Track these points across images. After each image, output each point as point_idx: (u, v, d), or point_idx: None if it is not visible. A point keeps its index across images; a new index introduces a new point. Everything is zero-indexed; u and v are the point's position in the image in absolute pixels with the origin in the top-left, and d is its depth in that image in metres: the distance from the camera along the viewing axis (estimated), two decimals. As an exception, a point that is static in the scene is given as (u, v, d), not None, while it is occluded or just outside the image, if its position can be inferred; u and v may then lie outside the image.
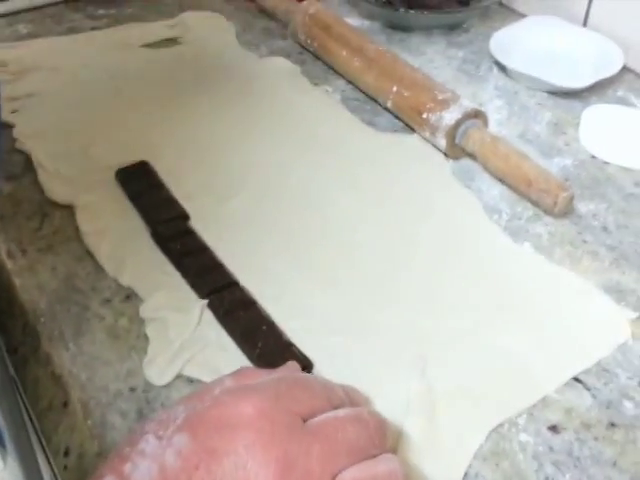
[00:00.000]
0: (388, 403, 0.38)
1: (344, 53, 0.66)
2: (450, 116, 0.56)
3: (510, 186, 0.54)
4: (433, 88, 0.59)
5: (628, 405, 0.39)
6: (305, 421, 0.30)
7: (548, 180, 0.51)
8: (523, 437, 0.38)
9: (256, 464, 0.28)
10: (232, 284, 0.45)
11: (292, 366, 0.36)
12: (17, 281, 0.45)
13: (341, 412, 0.31)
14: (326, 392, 0.32)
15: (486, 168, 0.56)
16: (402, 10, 0.74)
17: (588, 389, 0.40)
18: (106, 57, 0.69)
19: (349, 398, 0.35)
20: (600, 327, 0.43)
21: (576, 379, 0.41)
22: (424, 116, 0.57)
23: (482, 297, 0.45)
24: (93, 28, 0.76)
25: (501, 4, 0.83)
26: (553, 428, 0.38)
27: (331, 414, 0.31)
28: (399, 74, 0.61)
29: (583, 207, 0.53)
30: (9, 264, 0.46)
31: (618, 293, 0.46)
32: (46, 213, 0.51)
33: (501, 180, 0.55)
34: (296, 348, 0.41)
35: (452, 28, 0.78)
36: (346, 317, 0.44)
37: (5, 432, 0.35)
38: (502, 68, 0.70)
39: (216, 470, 0.27)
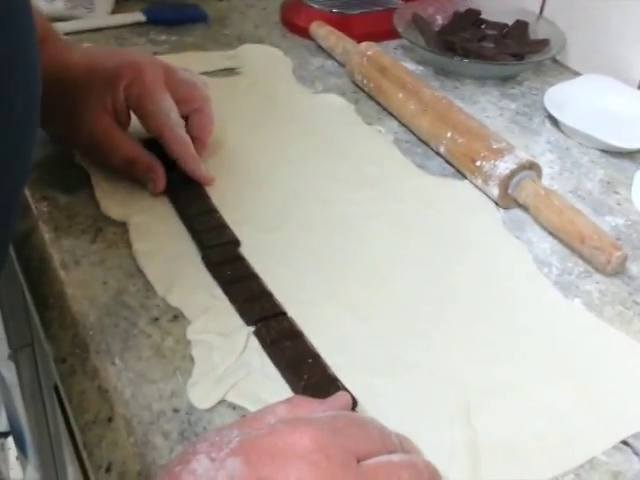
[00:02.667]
0: (431, 450, 0.38)
1: (400, 95, 0.66)
2: (505, 166, 0.56)
3: (562, 241, 0.54)
4: (488, 137, 0.59)
5: (678, 474, 0.38)
6: (359, 462, 0.30)
7: (602, 238, 0.51)
8: (568, 497, 0.37)
9: None
10: (280, 314, 0.45)
11: (342, 397, 0.36)
12: (69, 292, 0.45)
13: (396, 457, 0.31)
14: (382, 435, 0.32)
15: (538, 221, 0.56)
16: (456, 58, 0.75)
17: (637, 454, 0.39)
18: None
19: (402, 445, 0.34)
20: (651, 390, 0.43)
21: (625, 442, 0.40)
22: (477, 164, 0.58)
23: (529, 349, 0.45)
24: (155, 53, 0.77)
25: (555, 60, 0.84)
26: (600, 491, 0.37)
27: (385, 458, 0.31)
28: (454, 120, 0.61)
29: (634, 268, 0.53)
30: (62, 274, 0.47)
31: (669, 358, 0.45)
32: (100, 228, 0.52)
33: (552, 234, 0.55)
34: (341, 383, 0.41)
35: (505, 80, 0.78)
36: (390, 356, 0.44)
37: (29, 442, 0.35)
38: (555, 123, 0.70)
39: None
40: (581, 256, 0.53)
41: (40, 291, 0.46)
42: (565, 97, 0.72)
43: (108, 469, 0.35)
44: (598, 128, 0.67)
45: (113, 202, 0.54)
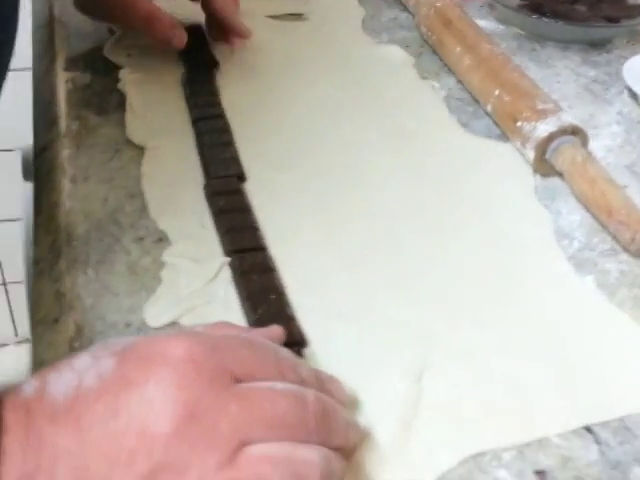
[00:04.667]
0: (372, 400, 0.36)
1: (457, 50, 0.63)
2: (544, 127, 0.52)
3: (592, 213, 0.49)
4: (535, 97, 0.54)
5: (638, 473, 0.34)
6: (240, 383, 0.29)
7: (631, 213, 0.45)
8: (502, 474, 0.34)
9: (162, 403, 0.27)
10: (259, 248, 0.44)
11: (274, 330, 0.35)
12: (68, 203, 0.47)
13: (280, 385, 0.30)
14: (281, 365, 0.31)
15: (572, 190, 0.51)
16: (535, 17, 0.70)
17: (598, 443, 0.35)
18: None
19: (320, 384, 0.33)
20: (638, 380, 0.38)
21: (588, 429, 0.36)
22: (518, 124, 0.53)
23: (514, 319, 0.41)
24: (229, -6, 0.78)
25: (660, 30, 0.76)
26: (540, 473, 0.34)
27: (268, 383, 0.29)
28: (504, 78, 0.57)
29: (671, 253, 0.47)
30: (69, 188, 0.49)
31: (678, 351, 0.40)
32: (120, 149, 0.53)
33: (585, 206, 0.50)
34: (296, 323, 0.40)
35: (593, 45, 0.72)
36: (361, 305, 0.42)
37: None
38: (634, 96, 0.64)
39: (124, 399, 0.27)
40: (609, 232, 0.48)
41: (40, 198, 0.48)
42: (652, 67, 0.65)
43: (40, 366, 0.36)
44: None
45: (139, 127, 0.55)
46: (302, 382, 0.31)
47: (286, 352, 0.32)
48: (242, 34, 0.61)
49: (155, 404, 0.27)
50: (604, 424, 0.36)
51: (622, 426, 0.36)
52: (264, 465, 0.27)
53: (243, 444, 0.28)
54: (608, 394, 0.37)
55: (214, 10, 0.61)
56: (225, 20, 0.61)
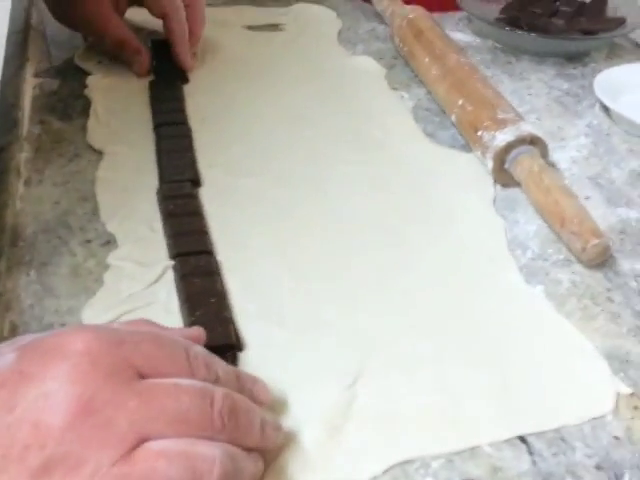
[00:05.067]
0: (302, 404, 0.36)
1: (426, 60, 0.63)
2: (502, 137, 0.51)
3: (547, 223, 0.48)
4: (497, 106, 0.54)
5: (569, 484, 0.33)
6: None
7: (583, 222, 0.45)
8: (428, 482, 0.33)
9: (57, 397, 0.26)
10: (204, 252, 0.44)
11: (194, 330, 0.35)
12: (18, 205, 0.47)
13: (186, 382, 0.29)
14: (191, 362, 0.30)
15: (528, 200, 0.50)
16: (508, 29, 0.69)
17: (531, 453, 0.34)
18: (208, 31, 0.70)
19: (240, 384, 0.32)
20: (578, 392, 0.37)
21: (522, 439, 0.35)
22: (479, 134, 0.53)
23: (456, 328, 0.41)
24: (209, 4, 0.78)
25: (637, 45, 0.76)
26: (467, 483, 0.33)
27: (173, 380, 0.29)
28: (469, 88, 0.57)
29: (627, 265, 0.46)
30: (22, 190, 0.49)
31: (622, 363, 0.39)
32: (79, 154, 0.53)
33: (541, 215, 0.49)
34: (232, 327, 0.39)
35: (570, 59, 0.72)
36: (304, 312, 0.41)
37: None
38: (606, 109, 0.63)
39: (21, 393, 0.27)
40: (562, 242, 0.47)
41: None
42: (623, 81, 0.65)
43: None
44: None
45: (100, 132, 0.55)
46: (216, 380, 0.31)
47: (201, 350, 0.32)
48: (184, 66, 0.63)
49: (50, 398, 0.26)
50: (539, 435, 0.35)
51: (558, 437, 0.35)
52: (160, 460, 0.27)
53: (142, 440, 0.27)
54: (546, 405, 0.36)
55: (168, 32, 0.63)
56: (174, 47, 0.63)
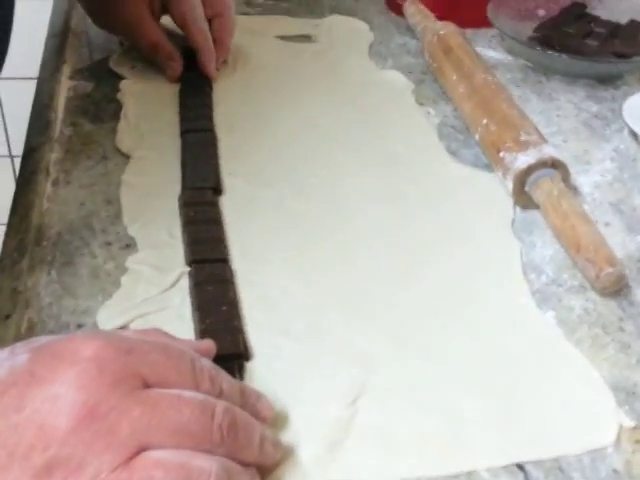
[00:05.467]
0: (303, 420, 0.36)
1: (454, 77, 0.63)
2: (524, 159, 0.51)
3: (563, 248, 0.48)
4: (521, 128, 0.54)
5: (563, 514, 0.33)
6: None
7: (598, 250, 0.45)
8: (422, 503, 0.33)
9: (64, 401, 0.28)
10: (220, 260, 0.45)
11: (205, 343, 0.36)
12: (45, 204, 0.49)
13: (189, 394, 0.30)
14: (196, 374, 0.31)
15: (546, 223, 0.50)
16: (539, 49, 0.69)
17: (528, 481, 0.35)
18: (236, 38, 0.71)
19: (244, 399, 0.33)
20: (581, 422, 0.37)
21: (520, 466, 0.35)
22: (501, 154, 0.53)
23: (464, 349, 0.41)
24: (244, 13, 0.79)
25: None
26: (461, 506, 0.33)
27: (176, 391, 0.30)
28: (494, 108, 0.57)
29: (642, 294, 0.46)
30: (49, 190, 0.50)
31: (629, 395, 0.39)
32: (107, 157, 0.54)
33: (557, 240, 0.49)
34: (242, 336, 0.40)
35: (601, 81, 0.71)
36: (312, 325, 0.42)
37: None
38: (634, 134, 0.63)
39: (30, 394, 0.28)
40: (577, 267, 0.47)
41: (19, 198, 0.49)
42: (654, 106, 0.64)
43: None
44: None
45: (129, 136, 0.56)
46: (220, 394, 0.32)
47: (207, 363, 0.33)
48: (208, 75, 0.64)
49: (57, 401, 0.28)
50: (538, 463, 0.35)
51: (556, 466, 0.35)
52: (157, 470, 0.28)
53: (142, 448, 0.28)
54: (547, 433, 0.37)
55: (190, 41, 0.64)
56: (198, 56, 0.63)
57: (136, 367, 0.30)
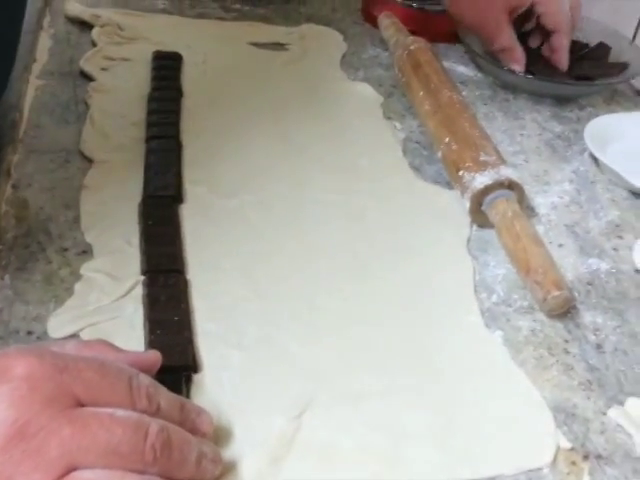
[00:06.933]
0: (247, 434, 0.37)
1: (421, 94, 0.63)
2: (481, 180, 0.52)
3: (515, 269, 0.49)
4: (481, 148, 0.55)
5: (494, 534, 0.34)
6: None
7: (547, 273, 0.46)
8: (356, 519, 0.34)
9: None
10: (176, 271, 0.45)
11: (150, 355, 0.36)
12: (4, 207, 0.49)
13: (121, 413, 0.30)
14: (133, 392, 0.31)
15: (500, 243, 0.51)
16: (506, 69, 0.70)
17: (465, 500, 0.35)
18: (209, 44, 0.72)
19: (184, 414, 0.33)
20: (519, 442, 0.38)
21: (459, 485, 0.36)
22: (460, 173, 0.54)
23: (409, 364, 0.42)
24: (219, 18, 0.80)
25: (638, 92, 0.76)
26: (394, 523, 0.34)
27: (109, 410, 0.30)
28: (457, 126, 0.58)
29: (588, 317, 0.47)
30: (9, 192, 0.50)
31: (568, 417, 0.40)
32: (69, 160, 0.54)
33: (509, 261, 0.50)
34: (191, 348, 0.40)
35: (567, 101, 0.72)
36: (263, 338, 0.42)
37: None
38: (594, 157, 0.64)
39: None
40: (526, 289, 0.48)
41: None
42: (615, 129, 0.65)
43: None
44: (636, 169, 0.60)
45: (93, 140, 0.56)
46: (157, 411, 0.32)
47: (145, 380, 0.33)
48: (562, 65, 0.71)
49: None
50: (478, 482, 0.36)
51: (492, 485, 0.36)
52: None
53: (71, 469, 0.28)
54: (486, 452, 0.38)
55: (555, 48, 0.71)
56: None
57: (69, 386, 0.30)
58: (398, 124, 0.66)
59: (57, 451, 0.28)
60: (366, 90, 0.69)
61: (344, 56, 0.76)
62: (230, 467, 0.35)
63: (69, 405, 0.29)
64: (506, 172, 0.53)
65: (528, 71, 0.70)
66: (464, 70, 0.76)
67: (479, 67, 0.76)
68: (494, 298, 0.48)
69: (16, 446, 0.27)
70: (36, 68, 0.65)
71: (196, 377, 0.39)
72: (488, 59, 0.72)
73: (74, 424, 0.29)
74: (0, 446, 0.27)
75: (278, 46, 0.76)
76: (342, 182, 0.56)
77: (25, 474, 0.27)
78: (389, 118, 0.66)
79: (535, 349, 0.44)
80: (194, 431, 0.33)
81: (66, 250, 0.47)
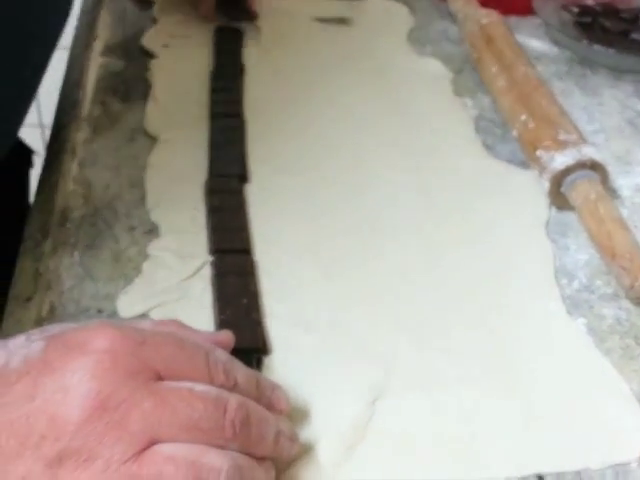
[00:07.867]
0: (320, 417, 0.36)
1: (494, 69, 0.61)
2: (562, 160, 0.49)
3: (598, 254, 0.47)
4: (560, 126, 0.52)
5: (583, 532, 0.32)
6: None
7: (634, 259, 0.43)
8: (435, 513, 0.32)
9: (75, 391, 0.27)
10: (243, 251, 0.44)
11: (223, 335, 0.35)
12: (71, 186, 0.48)
13: (201, 387, 0.29)
14: (210, 367, 0.30)
15: (583, 227, 0.48)
16: (584, 42, 0.67)
17: (547, 494, 0.33)
18: (271, 19, 0.70)
19: (259, 391, 0.33)
20: (605, 435, 0.36)
21: (540, 478, 0.34)
22: (537, 153, 0.51)
23: (490, 353, 0.40)
24: (281, -6, 0.78)
25: None
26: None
27: (188, 384, 0.29)
28: (534, 103, 0.55)
29: (680, 306, 0.44)
30: (74, 171, 0.50)
31: (658, 410, 0.38)
32: (134, 138, 0.54)
33: (593, 245, 0.47)
34: (260, 330, 0.39)
35: (649, 77, 0.68)
36: (333, 320, 0.41)
37: None
38: (681, 134, 0.60)
39: (42, 383, 0.28)
40: (611, 274, 0.45)
41: (44, 179, 0.49)
42: None
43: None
44: None
45: (157, 117, 0.56)
46: (235, 386, 0.31)
47: (222, 355, 0.32)
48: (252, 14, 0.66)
49: (69, 392, 0.27)
50: (558, 475, 0.34)
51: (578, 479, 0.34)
52: (168, 465, 0.27)
53: (153, 442, 0.28)
54: (569, 444, 0.35)
55: None
56: None
57: (149, 359, 0.29)
58: (469, 101, 0.63)
59: (139, 424, 0.27)
60: (435, 66, 0.66)
61: (411, 31, 0.73)
62: (305, 450, 0.34)
63: (149, 379, 0.29)
64: (588, 151, 0.50)
65: (608, 44, 0.67)
66: (538, 44, 0.72)
67: (555, 41, 0.72)
68: (576, 284, 0.45)
69: (100, 418, 0.27)
70: (98, 45, 0.65)
71: (266, 360, 0.38)
72: (566, 32, 0.68)
73: (155, 397, 0.28)
74: (84, 418, 0.27)
75: (342, 21, 0.74)
76: (410, 161, 0.54)
77: (108, 447, 0.27)
78: (459, 95, 0.64)
79: (621, 338, 0.42)
80: (270, 407, 0.32)
81: (133, 229, 0.46)
